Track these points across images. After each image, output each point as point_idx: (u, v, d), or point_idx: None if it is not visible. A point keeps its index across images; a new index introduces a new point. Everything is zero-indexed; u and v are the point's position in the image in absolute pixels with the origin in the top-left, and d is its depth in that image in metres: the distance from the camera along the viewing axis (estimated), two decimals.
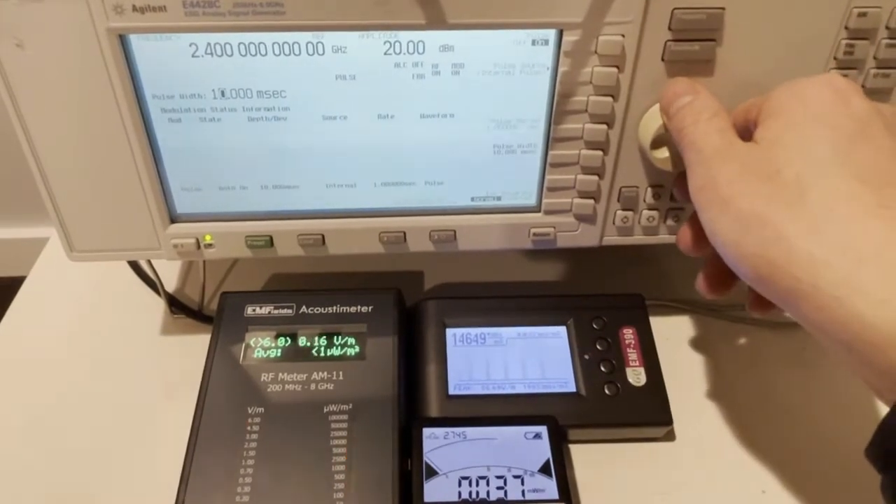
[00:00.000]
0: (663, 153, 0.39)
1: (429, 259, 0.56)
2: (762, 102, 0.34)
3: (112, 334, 0.50)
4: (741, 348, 0.50)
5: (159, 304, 0.51)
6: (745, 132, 0.35)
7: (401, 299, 0.47)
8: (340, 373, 0.43)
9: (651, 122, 0.38)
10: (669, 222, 0.44)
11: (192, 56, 0.36)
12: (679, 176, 0.40)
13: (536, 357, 0.45)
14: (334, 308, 0.46)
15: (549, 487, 0.39)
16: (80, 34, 0.34)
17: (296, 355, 0.44)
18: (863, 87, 0.39)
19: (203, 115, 0.38)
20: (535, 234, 0.44)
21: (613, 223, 0.44)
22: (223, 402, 0.42)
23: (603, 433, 0.44)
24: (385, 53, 0.37)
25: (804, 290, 0.29)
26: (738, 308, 0.52)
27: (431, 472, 0.39)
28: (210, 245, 0.43)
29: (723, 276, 0.38)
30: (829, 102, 0.31)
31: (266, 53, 0.36)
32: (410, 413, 0.43)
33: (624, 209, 0.43)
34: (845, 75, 0.39)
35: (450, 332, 0.46)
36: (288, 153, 0.40)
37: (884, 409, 0.28)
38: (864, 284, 0.27)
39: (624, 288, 0.49)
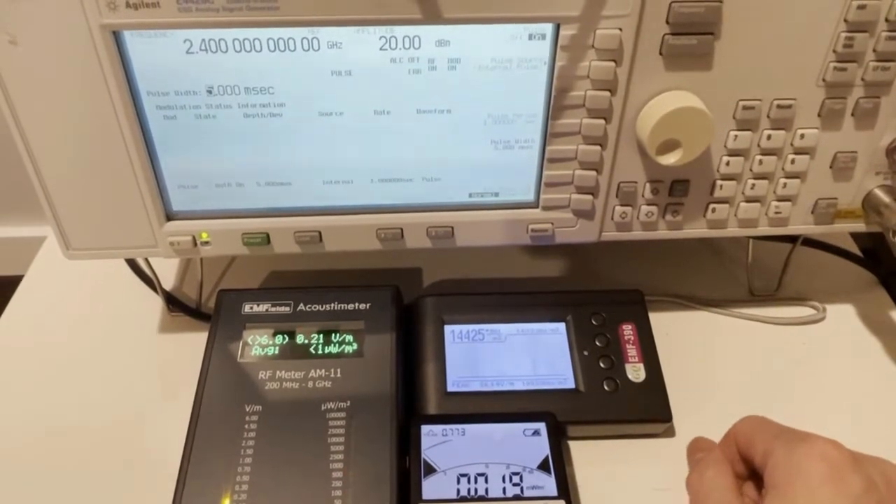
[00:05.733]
0: (667, 159, 0.39)
1: (427, 256, 0.56)
2: (764, 457, 0.34)
3: (110, 333, 0.50)
4: (741, 344, 0.50)
5: (157, 303, 0.51)
6: (743, 463, 0.36)
7: (399, 296, 0.47)
8: (338, 370, 0.43)
9: (650, 118, 0.38)
10: (668, 217, 0.44)
11: (187, 52, 0.36)
12: None
13: (535, 353, 0.45)
14: (332, 305, 0.46)
15: (549, 484, 0.38)
16: (73, 31, 0.34)
17: (293, 353, 0.44)
18: (862, 80, 0.39)
19: (198, 111, 0.38)
20: (533, 230, 0.44)
21: (612, 218, 0.44)
22: (221, 400, 0.41)
23: (602, 430, 0.44)
24: (381, 49, 0.36)
25: None
26: (738, 304, 0.52)
27: (430, 470, 0.39)
28: (207, 243, 0.42)
29: None
30: (825, 480, 0.31)
31: (261, 49, 0.36)
32: (408, 410, 0.43)
33: (622, 204, 0.43)
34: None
35: (448, 328, 0.46)
36: (284, 149, 0.40)
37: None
38: None
39: (623, 283, 0.49)
